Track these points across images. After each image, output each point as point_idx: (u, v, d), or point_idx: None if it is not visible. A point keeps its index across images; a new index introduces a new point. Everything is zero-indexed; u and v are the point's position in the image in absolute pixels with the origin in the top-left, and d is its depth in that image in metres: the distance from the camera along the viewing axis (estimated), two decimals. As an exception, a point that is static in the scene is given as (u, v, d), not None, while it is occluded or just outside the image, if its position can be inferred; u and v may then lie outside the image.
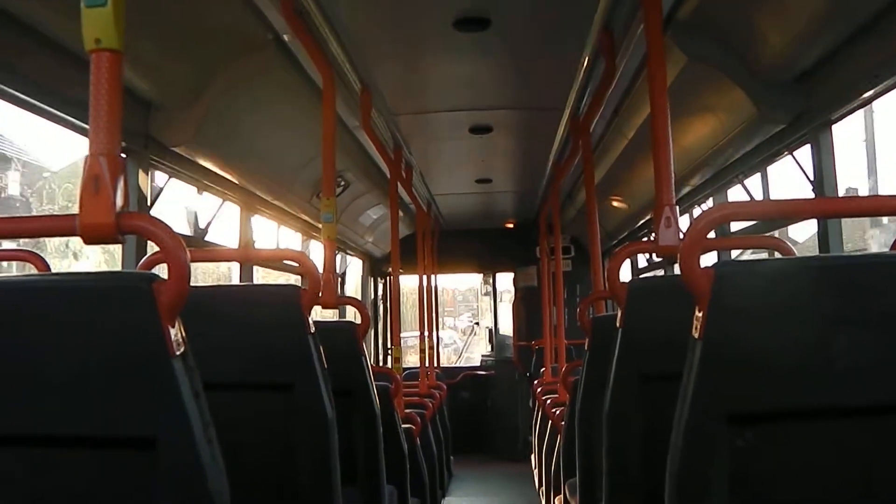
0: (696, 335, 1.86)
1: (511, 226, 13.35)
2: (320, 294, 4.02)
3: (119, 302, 1.71)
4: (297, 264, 5.04)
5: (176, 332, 1.69)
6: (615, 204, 9.62)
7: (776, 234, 5.61)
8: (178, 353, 1.68)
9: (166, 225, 1.74)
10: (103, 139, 1.80)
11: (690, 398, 1.85)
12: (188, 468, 1.67)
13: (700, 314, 1.86)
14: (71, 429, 1.70)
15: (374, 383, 4.34)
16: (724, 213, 2.15)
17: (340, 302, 4.88)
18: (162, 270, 1.78)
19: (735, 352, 1.85)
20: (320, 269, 4.26)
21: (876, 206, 2.28)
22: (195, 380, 1.71)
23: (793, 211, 2.43)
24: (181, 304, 1.70)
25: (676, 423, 1.87)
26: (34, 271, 3.45)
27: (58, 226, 1.91)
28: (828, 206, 2.97)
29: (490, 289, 15.08)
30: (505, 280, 14.59)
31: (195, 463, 1.67)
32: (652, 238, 3.51)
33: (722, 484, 1.82)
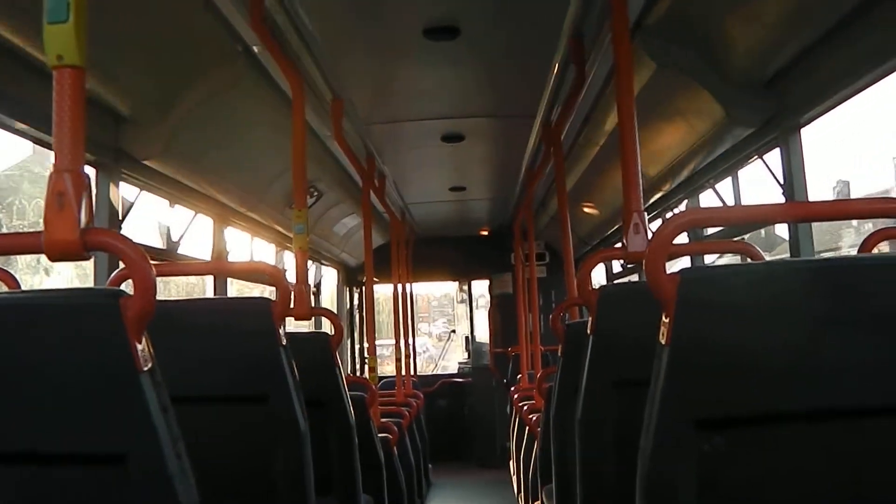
0: (663, 341, 1.87)
1: (486, 233, 13.36)
2: (292, 305, 4.02)
3: (86, 318, 1.70)
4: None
5: (143, 347, 1.68)
6: (588, 210, 9.65)
7: (762, 233, 5.64)
8: (145, 368, 1.67)
9: (131, 240, 1.74)
10: (67, 155, 1.79)
11: (658, 403, 1.85)
12: (158, 483, 1.66)
13: (667, 320, 1.86)
14: (39, 445, 1.69)
15: (348, 393, 4.33)
16: (690, 219, 2.15)
17: (313, 313, 4.87)
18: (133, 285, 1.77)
19: (702, 357, 1.86)
20: (294, 280, 4.26)
21: (845, 210, 2.29)
22: (163, 394, 1.70)
23: (761, 216, 2.43)
24: (148, 319, 1.69)
25: (645, 429, 1.88)
26: (3, 288, 3.42)
27: (23, 243, 1.90)
28: (797, 210, 2.98)
29: (466, 296, 15.07)
30: (481, 287, 14.60)
31: (165, 477, 1.66)
32: (623, 244, 3.52)
33: (690, 489, 1.83)
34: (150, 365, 1.69)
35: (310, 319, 4.59)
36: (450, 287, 21.74)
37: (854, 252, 3.02)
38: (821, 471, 1.86)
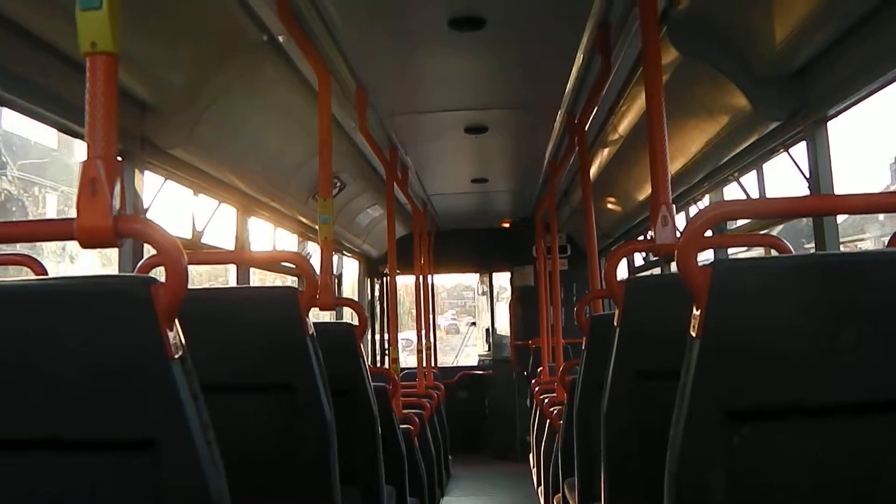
0: (694, 333, 1.86)
1: (507, 225, 13.35)
2: (318, 295, 4.03)
3: (117, 305, 1.71)
4: (293, 266, 5.04)
5: (174, 335, 1.69)
6: (611, 202, 9.63)
7: (780, 229, 5.61)
8: (176, 355, 1.68)
9: (163, 228, 1.74)
10: (100, 142, 1.80)
11: (688, 395, 1.85)
12: (188, 469, 1.67)
13: (698, 312, 1.86)
14: (71, 432, 1.70)
15: (372, 384, 4.34)
16: (721, 212, 2.14)
17: (338, 303, 4.88)
18: (159, 273, 1.77)
19: (732, 349, 1.85)
20: (317, 271, 4.26)
21: (871, 204, 2.28)
22: (193, 382, 1.70)
23: (789, 209, 2.42)
24: (178, 306, 1.70)
25: (675, 422, 1.87)
26: (31, 275, 3.44)
27: (55, 230, 1.91)
28: (823, 203, 2.96)
29: (487, 288, 15.07)
30: (502, 279, 14.59)
31: (195, 464, 1.67)
32: (649, 236, 3.51)
33: (719, 480, 1.82)
34: (180, 352, 1.70)
35: (334, 309, 4.60)
36: (462, 278, 21.52)
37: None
38: (850, 463, 1.85)
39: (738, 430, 1.83)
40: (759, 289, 1.88)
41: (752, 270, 1.95)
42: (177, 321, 1.71)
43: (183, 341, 1.72)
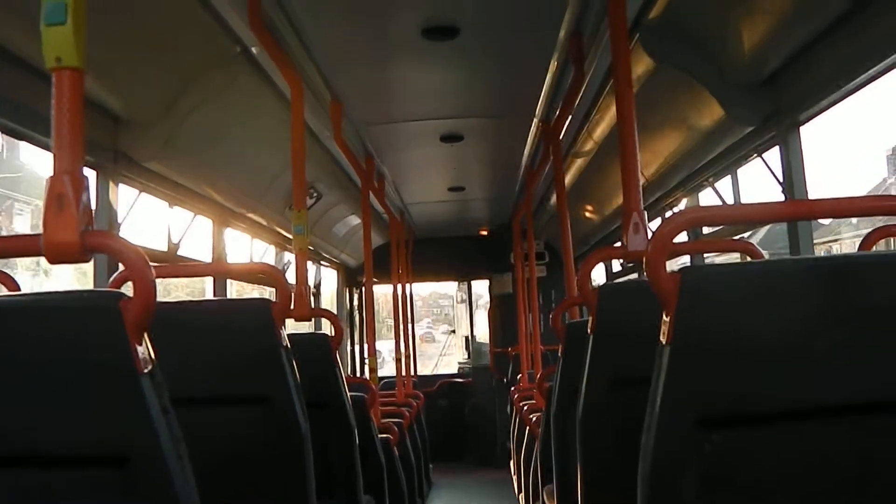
0: (664, 339, 1.86)
1: (485, 233, 13.35)
2: (292, 306, 4.02)
3: (87, 320, 1.70)
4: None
5: (143, 349, 1.68)
6: (588, 209, 9.65)
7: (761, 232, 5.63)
8: (146, 370, 1.67)
9: (130, 242, 1.74)
10: (67, 157, 1.79)
11: (659, 402, 1.85)
12: (160, 485, 1.66)
13: (667, 319, 1.86)
14: (40, 448, 1.69)
15: (349, 394, 4.33)
16: (691, 218, 2.15)
17: (313, 314, 4.86)
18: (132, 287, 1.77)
19: (703, 355, 1.85)
20: (293, 282, 4.25)
21: (844, 208, 2.29)
22: (164, 396, 1.70)
23: (761, 214, 2.43)
24: (148, 321, 1.69)
25: (646, 428, 1.87)
26: (3, 290, 3.42)
27: (22, 245, 1.90)
28: (796, 208, 2.97)
29: (465, 296, 15.07)
30: (480, 287, 14.60)
31: (167, 479, 1.66)
32: (623, 243, 3.52)
33: (692, 487, 1.82)
34: (150, 367, 1.69)
35: (310, 320, 4.59)
36: (437, 286, 21.45)
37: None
38: (824, 468, 1.85)
39: (709, 437, 1.84)
40: (729, 294, 1.88)
41: (722, 276, 1.95)
42: (146, 336, 1.70)
43: (153, 356, 1.71)
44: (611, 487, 3.31)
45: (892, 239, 3.04)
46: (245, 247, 8.01)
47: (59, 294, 1.83)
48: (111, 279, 3.32)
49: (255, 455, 3.21)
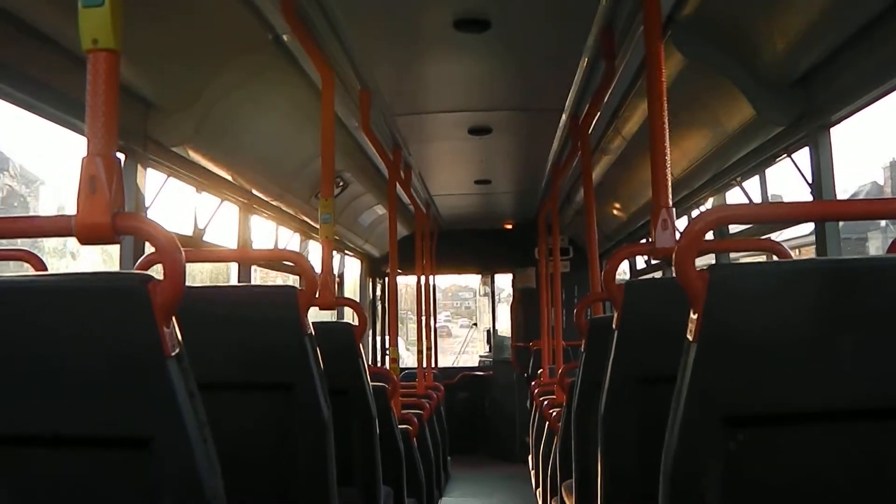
0: (691, 337, 1.86)
1: (510, 227, 13.35)
2: (317, 295, 4.03)
3: (115, 302, 1.71)
4: (293, 264, 5.05)
5: (171, 333, 1.69)
6: (614, 205, 9.63)
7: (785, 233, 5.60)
8: (173, 353, 1.68)
9: (161, 226, 1.74)
10: (100, 140, 1.80)
11: (684, 400, 1.85)
12: (183, 468, 1.67)
13: (695, 316, 1.86)
14: (66, 428, 1.70)
15: (370, 384, 4.34)
16: (720, 216, 2.14)
17: (338, 303, 4.88)
18: (159, 271, 1.78)
19: (729, 354, 1.85)
20: (318, 270, 4.26)
21: (873, 210, 2.27)
22: (190, 380, 1.71)
23: (790, 214, 2.42)
24: (176, 304, 1.70)
25: (670, 425, 1.87)
26: (31, 271, 3.45)
27: (54, 226, 1.91)
28: (825, 208, 2.96)
29: (488, 289, 15.07)
30: (503, 281, 14.60)
31: (190, 463, 1.67)
32: (650, 240, 3.51)
33: (716, 486, 1.82)
34: (177, 350, 1.70)
35: (334, 309, 4.60)
36: (457, 279, 21.32)
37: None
38: (847, 469, 1.85)
39: (734, 436, 1.83)
40: (757, 294, 1.88)
41: (750, 275, 1.94)
42: (174, 319, 1.71)
43: (180, 339, 1.72)
44: (631, 484, 3.31)
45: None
46: (270, 234, 8.04)
47: (87, 275, 1.84)
48: (138, 262, 3.34)
49: (277, 441, 3.22)
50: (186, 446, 1.67)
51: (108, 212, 1.77)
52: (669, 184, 3.44)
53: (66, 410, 1.70)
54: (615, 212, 9.83)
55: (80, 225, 1.78)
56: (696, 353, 1.84)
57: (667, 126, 3.53)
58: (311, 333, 3.24)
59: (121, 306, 1.70)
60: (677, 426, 1.86)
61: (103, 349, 1.70)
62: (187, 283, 1.76)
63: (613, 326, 3.35)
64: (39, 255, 3.68)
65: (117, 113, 1.83)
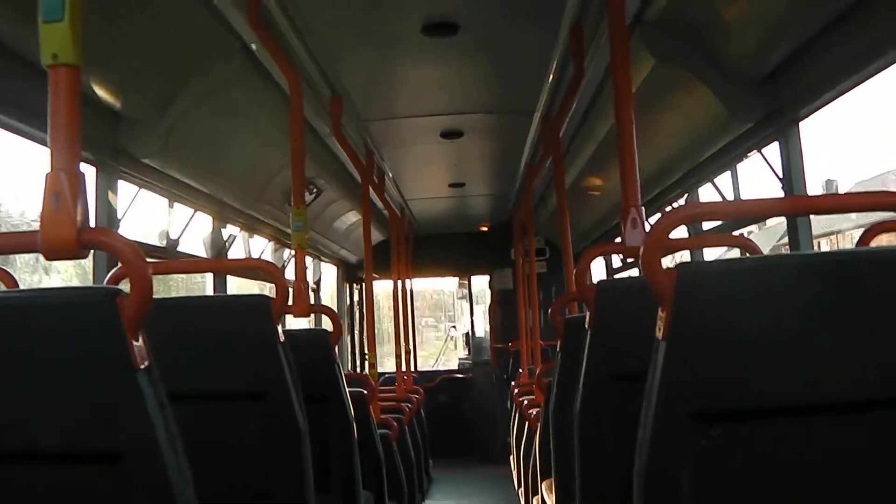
0: (660, 335, 1.87)
1: (486, 229, 13.36)
2: (290, 303, 4.02)
3: (83, 317, 1.70)
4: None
5: (140, 345, 1.68)
6: (588, 205, 9.64)
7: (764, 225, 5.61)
8: (142, 365, 1.67)
9: (126, 239, 1.74)
10: (63, 155, 1.79)
11: (655, 398, 1.85)
12: (155, 481, 1.66)
13: (663, 314, 1.86)
14: (36, 444, 1.69)
15: (347, 390, 4.33)
16: (686, 214, 2.15)
17: (311, 310, 4.86)
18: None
19: (699, 351, 1.86)
20: (292, 278, 4.26)
21: (843, 204, 2.29)
22: (160, 392, 1.70)
23: (759, 210, 2.43)
24: (144, 317, 1.69)
25: (643, 423, 1.88)
26: (2, 287, 3.42)
27: (19, 242, 1.91)
28: (794, 204, 2.97)
29: (466, 292, 15.06)
30: (481, 283, 14.60)
31: (162, 475, 1.66)
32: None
33: (689, 483, 1.83)
34: (147, 362, 1.69)
35: (308, 316, 4.59)
36: (440, 285, 21.05)
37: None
38: (821, 464, 1.86)
39: (705, 432, 1.84)
40: (725, 290, 1.89)
41: (718, 272, 1.95)
42: (142, 331, 1.71)
43: (149, 351, 1.71)
44: (608, 481, 3.32)
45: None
46: (246, 243, 8.01)
47: (55, 290, 1.83)
48: (108, 276, 3.33)
49: (252, 450, 3.22)
50: (158, 458, 1.66)
51: (73, 227, 1.76)
52: (638, 183, 3.46)
53: (35, 425, 1.69)
54: (589, 211, 9.84)
55: (45, 240, 1.77)
56: (666, 351, 1.85)
57: (634, 125, 3.54)
58: (284, 342, 3.23)
59: (89, 320, 1.70)
60: (649, 423, 1.86)
61: (72, 363, 1.69)
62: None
63: (586, 326, 3.36)
64: (10, 271, 3.65)
65: (80, 127, 1.82)
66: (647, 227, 3.39)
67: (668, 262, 2.02)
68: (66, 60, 1.79)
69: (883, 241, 2.90)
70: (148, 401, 1.67)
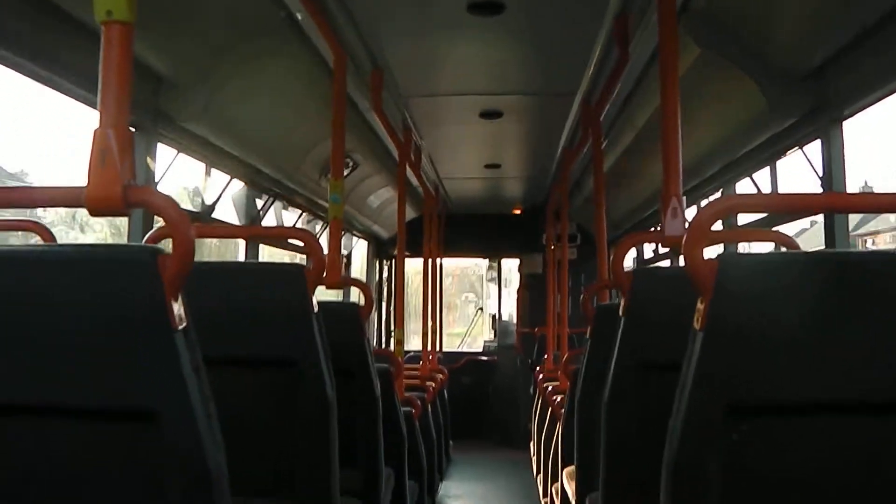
0: (698, 326, 1.86)
1: (518, 212, 13.34)
2: (325, 274, 4.04)
3: (123, 274, 1.71)
4: (301, 244, 5.04)
5: (179, 307, 1.69)
6: (623, 193, 9.61)
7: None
8: (180, 327, 1.68)
9: (172, 199, 1.75)
10: (112, 113, 1.81)
11: (689, 388, 1.85)
12: (187, 442, 1.67)
13: (702, 305, 1.86)
14: (72, 399, 1.71)
15: (375, 365, 4.34)
16: (730, 205, 2.15)
17: (345, 282, 4.88)
18: (168, 246, 1.78)
19: (736, 344, 1.85)
20: (325, 249, 4.27)
21: (882, 203, 2.27)
22: (196, 354, 1.71)
23: (799, 205, 2.42)
24: (185, 278, 1.70)
25: (675, 413, 1.88)
26: (40, 241, 3.45)
27: (65, 197, 1.92)
28: (833, 200, 2.96)
29: (495, 275, 15.04)
30: (510, 266, 14.59)
31: (194, 437, 1.67)
32: (658, 228, 3.51)
33: (718, 475, 1.83)
34: (184, 324, 1.70)
35: (342, 288, 4.60)
36: (472, 261, 20.88)
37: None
38: (849, 461, 1.85)
39: (737, 425, 1.84)
40: (765, 284, 1.88)
41: (758, 265, 1.95)
42: (182, 293, 1.71)
43: (187, 313, 1.72)
44: (633, 472, 3.31)
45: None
46: (279, 213, 8.04)
47: (97, 246, 1.84)
48: (147, 235, 3.34)
49: (281, 418, 3.23)
50: (191, 421, 1.67)
51: (119, 184, 1.77)
52: (680, 172, 3.44)
53: (72, 381, 1.70)
54: (624, 199, 9.81)
55: (91, 196, 1.78)
56: (703, 342, 1.85)
57: (679, 114, 3.52)
58: (318, 312, 3.24)
59: (129, 278, 1.71)
60: (682, 413, 1.86)
61: (111, 321, 1.70)
62: (196, 259, 1.77)
63: (620, 314, 3.35)
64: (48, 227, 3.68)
65: (130, 86, 1.83)
66: (687, 218, 3.37)
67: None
68: (120, 17, 1.80)
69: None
70: (184, 362, 1.68)
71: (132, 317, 1.70)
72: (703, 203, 7.48)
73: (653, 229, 9.38)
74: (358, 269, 12.77)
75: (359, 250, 12.58)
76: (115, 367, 1.70)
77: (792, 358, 1.85)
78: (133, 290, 1.70)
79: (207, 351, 1.78)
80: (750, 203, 2.65)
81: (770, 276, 1.89)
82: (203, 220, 5.78)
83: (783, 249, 3.79)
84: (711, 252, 1.93)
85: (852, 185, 4.72)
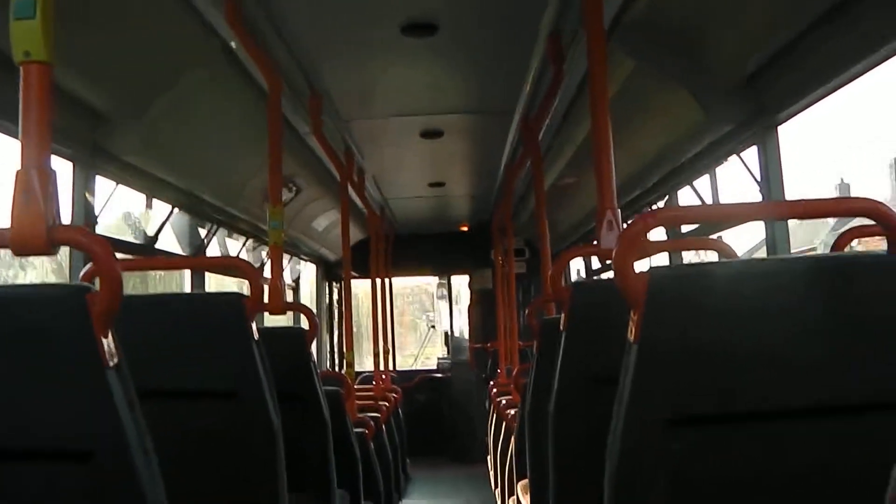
0: (632, 338, 1.87)
1: (465, 228, 13.36)
2: (266, 300, 4.01)
3: (53, 313, 1.70)
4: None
5: (109, 343, 1.68)
6: (567, 207, 9.65)
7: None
8: (111, 363, 1.67)
9: (98, 236, 1.74)
10: (34, 152, 1.79)
11: (627, 401, 1.86)
12: (124, 480, 1.65)
13: (635, 317, 1.87)
14: (4, 442, 1.68)
15: (323, 388, 4.32)
16: (661, 217, 2.15)
17: (287, 307, 4.84)
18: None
19: (671, 355, 1.86)
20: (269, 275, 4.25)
21: (820, 209, 2.29)
22: (129, 389, 1.69)
23: (735, 214, 2.44)
24: (114, 314, 1.69)
25: (613, 427, 1.88)
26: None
27: None
28: (771, 209, 2.98)
29: (445, 292, 15.03)
30: (461, 283, 14.60)
31: (131, 475, 1.65)
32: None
33: (660, 487, 1.83)
34: (116, 360, 1.68)
35: (284, 314, 4.58)
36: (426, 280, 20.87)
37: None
38: (792, 469, 1.86)
39: (677, 436, 1.84)
40: (698, 294, 1.89)
41: (690, 276, 1.96)
42: (112, 328, 1.70)
43: (119, 348, 1.71)
44: (582, 483, 3.30)
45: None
46: (223, 241, 7.99)
47: (25, 287, 1.82)
48: (81, 273, 3.31)
49: (225, 449, 3.20)
50: (127, 457, 1.65)
51: (42, 224, 1.76)
52: (614, 185, 3.45)
53: (4, 423, 1.68)
54: (568, 213, 9.85)
55: (14, 237, 1.76)
56: (637, 354, 1.85)
57: (610, 128, 3.54)
58: (258, 339, 3.22)
59: (59, 317, 1.69)
60: (620, 427, 1.87)
61: (42, 361, 1.68)
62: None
63: (561, 327, 3.36)
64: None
65: (51, 125, 1.82)
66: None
67: (644, 264, 2.02)
68: (37, 58, 1.79)
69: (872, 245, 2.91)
70: (117, 399, 1.66)
71: (62, 356, 1.68)
72: (646, 211, 7.53)
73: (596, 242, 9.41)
74: (308, 293, 12.72)
75: (309, 274, 12.54)
76: (46, 406, 1.68)
77: (729, 367, 1.86)
78: (62, 329, 1.68)
79: (145, 384, 1.76)
80: (682, 215, 2.68)
81: (703, 285, 1.90)
82: (146, 251, 5.74)
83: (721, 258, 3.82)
84: (647, 263, 1.93)
85: (794, 191, 4.77)
